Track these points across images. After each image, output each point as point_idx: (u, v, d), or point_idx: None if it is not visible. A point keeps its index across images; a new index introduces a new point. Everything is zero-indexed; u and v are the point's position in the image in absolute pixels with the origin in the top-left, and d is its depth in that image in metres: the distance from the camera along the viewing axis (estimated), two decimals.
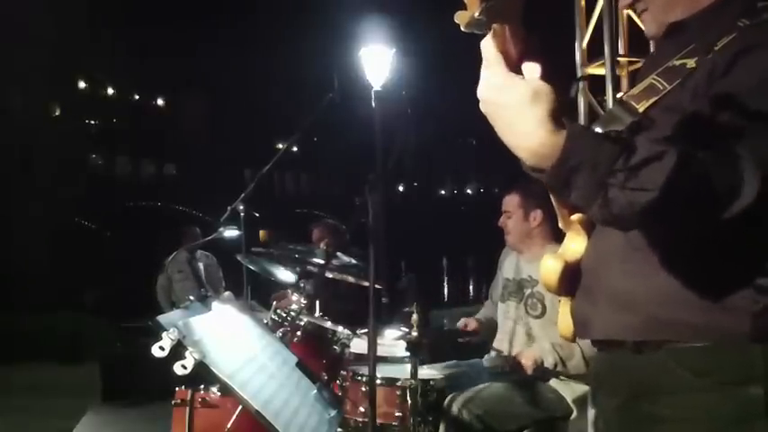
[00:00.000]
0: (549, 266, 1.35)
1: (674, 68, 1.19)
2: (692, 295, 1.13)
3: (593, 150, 0.98)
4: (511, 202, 2.99)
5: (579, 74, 4.01)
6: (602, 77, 3.77)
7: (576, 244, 1.34)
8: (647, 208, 0.96)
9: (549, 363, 2.68)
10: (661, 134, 1.11)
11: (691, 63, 1.17)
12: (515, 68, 0.99)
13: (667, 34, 1.31)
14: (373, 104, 2.60)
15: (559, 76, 1.02)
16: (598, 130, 1.15)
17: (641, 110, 1.18)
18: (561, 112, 0.99)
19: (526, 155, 1.00)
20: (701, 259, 1.12)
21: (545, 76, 0.99)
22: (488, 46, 0.98)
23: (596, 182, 0.97)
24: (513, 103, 0.97)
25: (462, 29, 0.95)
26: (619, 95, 3.70)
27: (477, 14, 0.92)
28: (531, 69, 0.99)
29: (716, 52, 1.13)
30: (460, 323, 3.20)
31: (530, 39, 1.00)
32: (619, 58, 3.89)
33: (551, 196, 1.33)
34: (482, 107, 1.02)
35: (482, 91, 1.01)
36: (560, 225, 1.41)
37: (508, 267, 3.12)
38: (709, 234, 1.07)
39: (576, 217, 1.35)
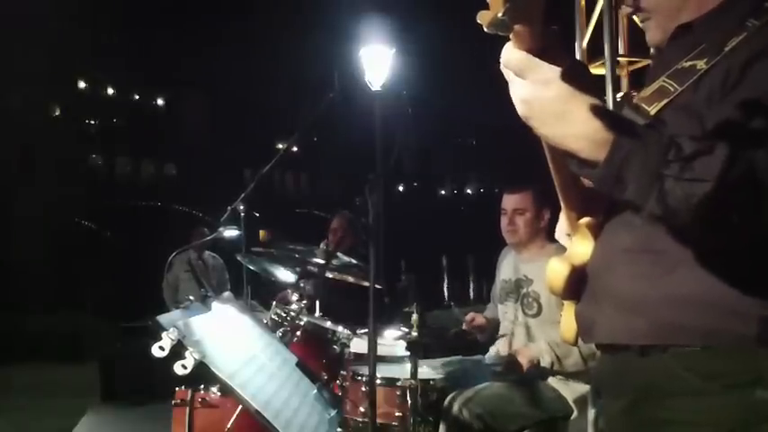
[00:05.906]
0: (556, 270, 1.33)
1: (684, 70, 1.18)
2: (700, 299, 1.12)
3: (642, 140, 0.97)
4: (524, 199, 2.98)
5: None
6: (602, 77, 3.77)
7: (583, 248, 1.32)
8: (703, 200, 0.95)
9: (545, 362, 2.68)
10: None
11: (701, 64, 1.15)
12: None
13: (674, 37, 1.29)
14: (369, 99, 2.61)
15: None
16: None
17: (652, 112, 1.17)
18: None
19: (583, 144, 1.00)
20: (709, 263, 1.11)
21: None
22: (515, 49, 0.98)
23: (650, 173, 0.96)
24: (563, 93, 0.97)
25: (485, 29, 0.95)
26: (619, 95, 3.69)
27: (500, 15, 0.91)
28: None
29: (727, 54, 1.12)
30: (468, 317, 3.19)
31: (551, 35, 1.00)
32: (619, 58, 3.88)
33: (561, 197, 1.32)
34: (524, 108, 1.02)
35: (524, 92, 1.00)
36: (566, 229, 1.39)
37: (506, 268, 3.12)
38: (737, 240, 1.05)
39: (583, 221, 1.33)
